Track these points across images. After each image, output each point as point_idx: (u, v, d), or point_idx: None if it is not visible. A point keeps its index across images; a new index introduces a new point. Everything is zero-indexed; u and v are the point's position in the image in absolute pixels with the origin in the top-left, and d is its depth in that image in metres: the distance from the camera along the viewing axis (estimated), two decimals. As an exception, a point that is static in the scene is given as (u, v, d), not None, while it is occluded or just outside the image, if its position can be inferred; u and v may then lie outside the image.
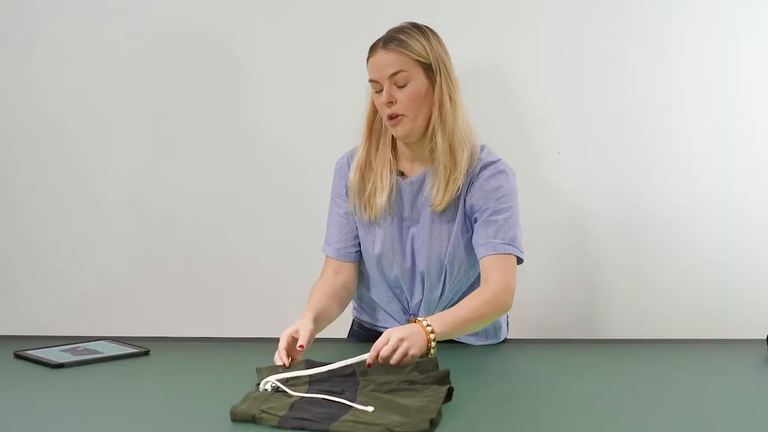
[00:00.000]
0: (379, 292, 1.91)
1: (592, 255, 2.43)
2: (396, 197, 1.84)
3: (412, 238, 1.85)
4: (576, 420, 1.29)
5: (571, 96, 2.39)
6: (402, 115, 1.76)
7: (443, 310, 1.80)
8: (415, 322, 1.60)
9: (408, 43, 1.76)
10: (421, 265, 1.84)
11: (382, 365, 1.49)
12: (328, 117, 2.44)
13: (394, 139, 1.87)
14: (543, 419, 1.31)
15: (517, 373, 1.64)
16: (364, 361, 1.49)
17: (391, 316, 1.91)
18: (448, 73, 1.79)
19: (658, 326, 2.34)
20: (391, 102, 1.75)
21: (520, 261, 1.80)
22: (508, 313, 1.86)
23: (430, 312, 1.85)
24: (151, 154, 2.52)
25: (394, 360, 1.49)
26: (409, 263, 1.85)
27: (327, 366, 1.48)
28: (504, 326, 1.94)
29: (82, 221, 2.54)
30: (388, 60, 1.75)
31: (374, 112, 1.84)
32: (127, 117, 2.52)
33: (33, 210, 2.56)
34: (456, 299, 1.84)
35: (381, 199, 1.82)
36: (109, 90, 2.51)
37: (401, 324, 1.82)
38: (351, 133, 2.04)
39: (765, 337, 1.76)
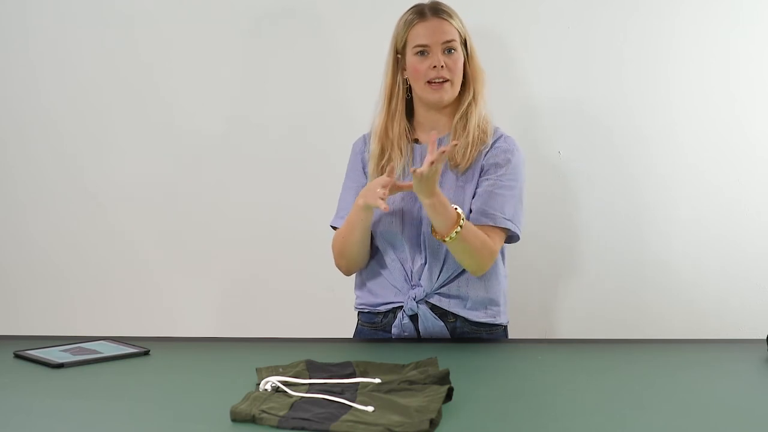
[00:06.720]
0: (382, 260, 1.94)
1: (592, 255, 2.43)
2: (410, 164, 1.93)
3: (419, 202, 1.88)
4: (576, 420, 1.29)
5: (571, 96, 2.40)
6: (448, 80, 1.89)
7: (447, 277, 1.89)
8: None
9: (453, 17, 1.92)
10: (424, 227, 1.88)
11: (380, 364, 1.49)
12: (330, 123, 2.45)
13: (408, 109, 1.97)
14: (543, 419, 1.31)
15: (517, 373, 1.63)
16: (363, 361, 1.50)
17: (393, 286, 1.92)
18: (474, 48, 1.95)
19: (658, 326, 2.34)
20: (443, 66, 1.87)
21: (517, 238, 1.93)
22: (507, 301, 1.96)
23: (432, 281, 1.89)
24: (151, 153, 2.52)
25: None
26: (416, 224, 1.89)
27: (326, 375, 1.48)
28: (502, 309, 1.96)
29: (82, 221, 2.54)
30: (443, 27, 1.90)
31: (393, 82, 1.94)
32: (127, 116, 2.52)
33: (33, 210, 2.56)
34: (460, 268, 1.88)
35: (398, 166, 1.90)
36: (109, 89, 2.52)
37: (403, 297, 1.90)
38: (351, 138, 2.06)
39: (765, 337, 1.76)
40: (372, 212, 1.84)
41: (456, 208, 1.79)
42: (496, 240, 1.87)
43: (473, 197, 1.90)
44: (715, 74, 2.36)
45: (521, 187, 1.93)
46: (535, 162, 2.24)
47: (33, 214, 2.56)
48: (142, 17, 2.49)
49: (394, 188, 1.80)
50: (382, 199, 1.74)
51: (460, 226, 1.77)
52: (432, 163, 1.67)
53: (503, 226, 1.87)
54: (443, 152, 1.67)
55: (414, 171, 1.69)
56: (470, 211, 1.89)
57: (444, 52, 1.88)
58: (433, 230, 1.82)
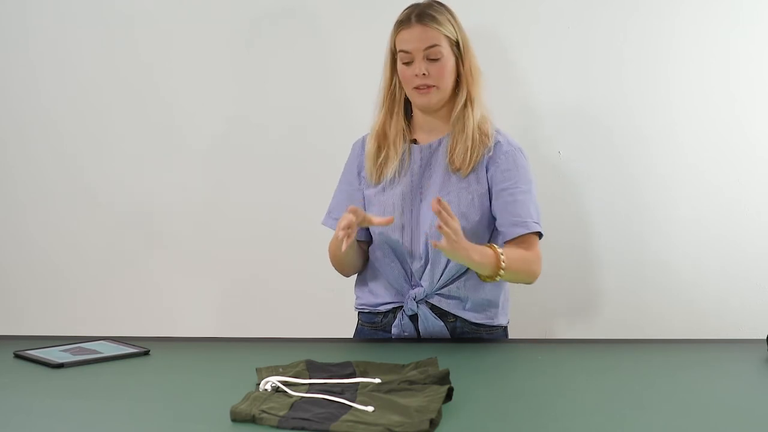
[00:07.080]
0: (381, 260, 1.93)
1: (592, 255, 2.43)
2: (408, 163, 1.92)
3: (419, 201, 1.89)
4: (576, 420, 1.29)
5: (571, 96, 2.40)
6: (433, 86, 1.87)
7: (449, 278, 1.88)
8: (491, 248, 1.78)
9: (440, 20, 1.87)
10: (425, 227, 1.87)
11: (380, 364, 1.49)
12: (330, 123, 2.45)
13: (407, 110, 1.96)
14: (543, 419, 1.31)
15: (517, 373, 1.63)
16: (363, 362, 1.50)
17: (393, 286, 1.92)
18: (469, 50, 1.92)
19: (658, 326, 2.34)
20: (425, 74, 1.85)
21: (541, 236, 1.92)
22: (508, 302, 1.97)
23: (434, 282, 1.88)
24: (151, 153, 2.52)
25: (444, 224, 1.64)
26: (416, 224, 1.88)
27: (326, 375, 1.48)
28: (501, 311, 1.96)
29: (82, 221, 2.54)
30: (425, 34, 1.85)
31: (391, 82, 1.93)
32: (127, 116, 2.52)
33: (33, 210, 2.56)
34: (462, 269, 1.87)
35: (393, 166, 1.91)
36: (109, 89, 2.52)
37: (403, 297, 1.90)
38: (351, 138, 2.06)
39: (765, 337, 1.76)
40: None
41: (489, 246, 1.79)
42: (535, 245, 1.88)
43: (491, 209, 1.89)
44: (715, 74, 2.36)
45: (534, 188, 1.93)
46: (535, 162, 2.23)
47: (33, 214, 2.56)
48: (142, 17, 2.49)
49: (365, 222, 1.79)
50: (346, 238, 1.72)
51: (503, 260, 1.77)
52: (439, 227, 1.65)
53: (536, 231, 1.87)
54: (437, 206, 1.64)
55: (435, 245, 1.69)
56: (494, 218, 1.89)
57: (426, 58, 1.85)
58: (480, 277, 1.83)
